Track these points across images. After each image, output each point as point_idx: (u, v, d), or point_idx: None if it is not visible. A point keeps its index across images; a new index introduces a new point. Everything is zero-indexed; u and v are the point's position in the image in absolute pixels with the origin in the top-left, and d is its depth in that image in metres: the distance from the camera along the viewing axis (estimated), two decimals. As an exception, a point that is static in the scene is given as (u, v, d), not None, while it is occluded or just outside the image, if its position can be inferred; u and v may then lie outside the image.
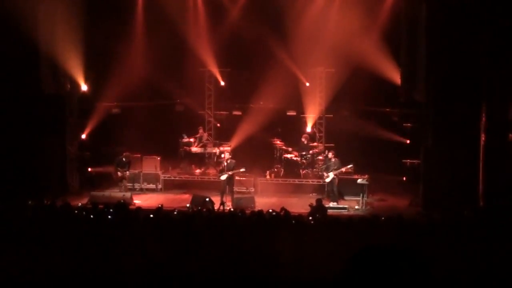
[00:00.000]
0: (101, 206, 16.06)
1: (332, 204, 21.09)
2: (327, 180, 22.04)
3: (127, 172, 23.17)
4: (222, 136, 26.47)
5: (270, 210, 16.08)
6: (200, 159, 25.76)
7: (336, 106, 25.65)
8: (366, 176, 22.08)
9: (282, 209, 15.79)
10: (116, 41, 23.99)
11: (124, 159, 22.99)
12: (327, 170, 22.08)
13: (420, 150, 21.65)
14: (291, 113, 26.13)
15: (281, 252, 11.74)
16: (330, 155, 22.36)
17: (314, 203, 18.54)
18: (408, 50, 21.59)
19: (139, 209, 16.73)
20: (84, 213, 15.48)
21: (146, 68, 24.72)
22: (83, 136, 24.53)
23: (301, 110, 26.09)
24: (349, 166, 22.00)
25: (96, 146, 24.88)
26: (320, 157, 24.34)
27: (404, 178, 23.77)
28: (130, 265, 11.36)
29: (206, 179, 24.36)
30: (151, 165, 24.52)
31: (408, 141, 24.12)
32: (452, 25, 19.94)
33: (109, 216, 14.76)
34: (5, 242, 12.52)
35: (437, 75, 20.54)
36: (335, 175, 21.82)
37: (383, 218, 15.19)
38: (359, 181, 21.78)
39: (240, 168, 21.82)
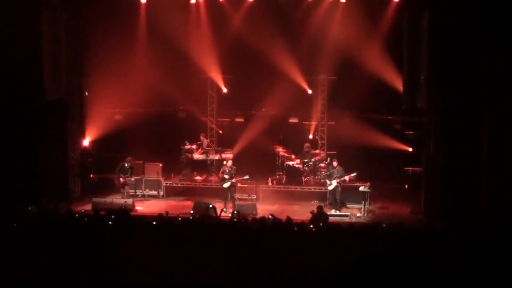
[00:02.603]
0: (102, 213, 16.07)
1: (333, 212, 21.09)
2: (330, 188, 21.99)
3: (132, 178, 23.16)
4: (224, 143, 26.46)
5: (270, 216, 16.07)
6: (202, 166, 25.76)
7: (338, 113, 25.64)
8: (368, 183, 22.07)
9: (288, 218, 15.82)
10: (119, 48, 24.01)
11: (126, 165, 22.97)
12: (330, 177, 22.03)
13: (422, 158, 21.63)
14: (293, 120, 26.13)
15: (282, 260, 11.73)
16: (334, 163, 22.23)
17: (315, 210, 18.53)
18: (410, 57, 21.57)
19: (141, 215, 16.73)
20: (85, 219, 15.47)
21: (148, 74, 24.73)
22: (85, 143, 24.55)
23: (303, 118, 26.10)
24: (352, 175, 21.96)
25: (98, 152, 24.89)
26: (322, 165, 24.31)
27: (406, 186, 23.73)
28: (131, 272, 11.35)
29: (208, 186, 24.35)
30: (153, 172, 24.51)
31: (410, 149, 24.10)
32: (454, 32, 19.95)
33: (111, 223, 14.75)
34: (5, 248, 12.51)
35: (439, 82, 20.54)
36: (338, 183, 21.79)
37: (384, 225, 15.19)
38: (361, 188, 21.76)
39: (244, 176, 21.89)
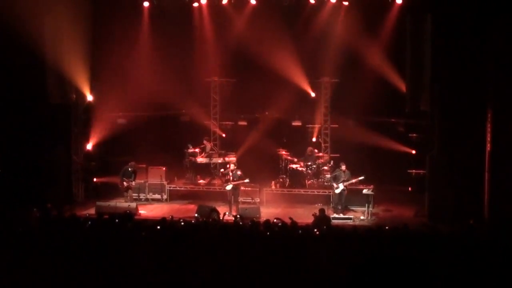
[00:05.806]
0: (106, 216, 16.07)
1: (337, 215, 21.06)
2: (337, 191, 21.88)
3: (133, 182, 23.18)
4: (227, 146, 26.49)
5: (275, 220, 16.06)
6: (206, 170, 25.77)
7: (342, 116, 25.64)
8: (372, 186, 22.06)
9: (290, 219, 15.80)
10: (122, 51, 24.07)
11: (130, 169, 23.01)
12: (337, 180, 21.93)
13: (426, 160, 21.62)
14: (297, 123, 26.14)
15: (286, 263, 11.72)
16: (343, 167, 22.05)
17: (317, 213, 18.52)
18: (413, 60, 21.59)
19: (144, 219, 16.72)
20: (89, 223, 15.46)
21: (152, 78, 24.76)
22: (89, 146, 24.58)
23: (306, 120, 26.10)
24: (360, 178, 21.86)
25: (101, 156, 24.91)
26: (326, 168, 24.29)
27: (410, 188, 23.71)
28: (135, 276, 11.35)
29: (211, 189, 24.35)
30: (157, 176, 24.54)
31: (413, 151, 24.08)
32: (457, 35, 19.95)
33: (114, 227, 14.75)
34: (10, 252, 12.52)
35: (442, 85, 20.53)
36: (345, 186, 21.74)
37: (388, 228, 15.15)
38: (364, 191, 21.72)
39: (245, 179, 21.86)
